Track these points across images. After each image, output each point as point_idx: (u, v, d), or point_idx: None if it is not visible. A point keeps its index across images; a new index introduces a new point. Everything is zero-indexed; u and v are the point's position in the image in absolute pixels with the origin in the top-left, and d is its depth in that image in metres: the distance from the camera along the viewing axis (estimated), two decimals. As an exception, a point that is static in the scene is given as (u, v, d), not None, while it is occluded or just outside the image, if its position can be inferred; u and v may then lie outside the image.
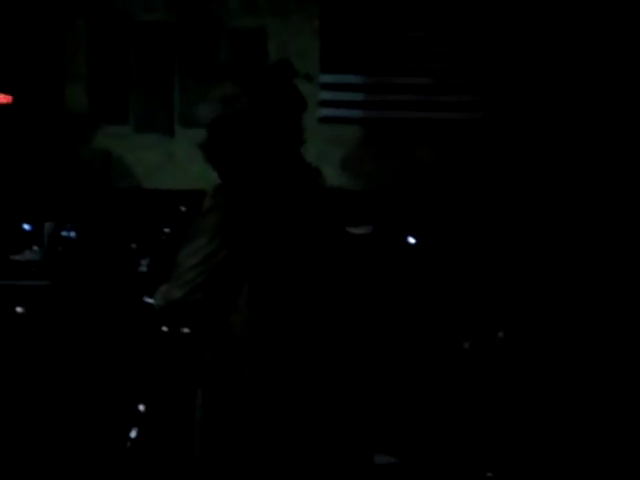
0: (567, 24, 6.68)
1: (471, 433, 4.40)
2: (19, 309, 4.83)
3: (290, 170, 2.23)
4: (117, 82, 7.46)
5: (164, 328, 4.36)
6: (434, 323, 4.97)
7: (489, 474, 4.09)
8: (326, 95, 7.12)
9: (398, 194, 6.81)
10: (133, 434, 4.23)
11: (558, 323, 4.97)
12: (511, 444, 4.32)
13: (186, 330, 2.24)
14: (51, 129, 7.44)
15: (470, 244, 6.04)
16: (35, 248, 5.55)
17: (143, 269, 4.72)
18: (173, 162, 7.27)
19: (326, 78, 7.11)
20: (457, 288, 5.35)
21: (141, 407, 4.27)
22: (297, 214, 2.18)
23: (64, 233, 5.50)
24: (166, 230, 4.61)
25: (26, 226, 5.91)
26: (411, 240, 5.81)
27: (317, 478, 2.17)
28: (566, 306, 5.11)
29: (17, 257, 5.48)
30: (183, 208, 4.68)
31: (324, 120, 7.08)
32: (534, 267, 5.63)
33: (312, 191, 2.25)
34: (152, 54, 7.42)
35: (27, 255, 5.52)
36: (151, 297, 4.51)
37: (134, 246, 5.42)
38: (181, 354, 4.10)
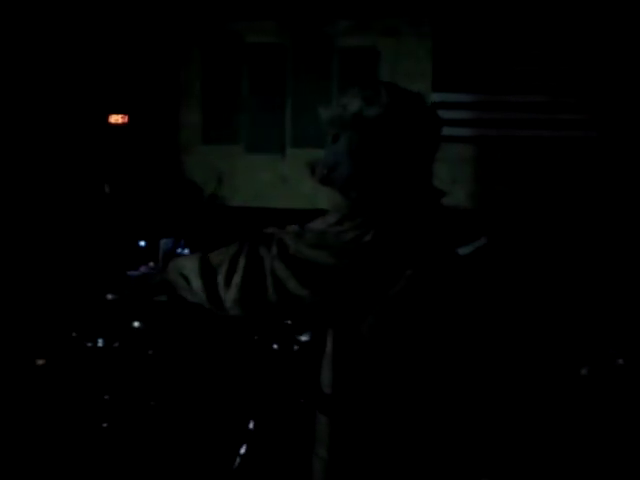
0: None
1: (587, 463, 4.25)
2: (136, 324, 4.94)
3: (423, 191, 2.18)
4: (229, 103, 7.59)
5: (275, 346, 4.37)
6: (550, 347, 4.84)
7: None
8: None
9: (510, 213, 6.67)
10: (243, 450, 4.25)
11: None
12: (631, 476, 4.15)
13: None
14: (165, 148, 7.62)
15: (590, 265, 5.86)
16: (151, 264, 5.66)
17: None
18: (284, 182, 7.35)
19: (438, 97, 7.06)
20: (575, 311, 5.19)
21: (251, 424, 4.28)
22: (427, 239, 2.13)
23: (178, 250, 5.61)
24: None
25: (142, 243, 6.05)
26: (526, 262, 5.68)
27: None
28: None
29: (133, 273, 5.62)
30: (296, 226, 4.68)
31: (435, 139, 7.02)
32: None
33: (439, 213, 2.20)
34: (263, 75, 7.53)
35: (143, 271, 5.65)
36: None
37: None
38: (295, 372, 4.10)
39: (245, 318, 2.21)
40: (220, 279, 2.15)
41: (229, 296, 2.13)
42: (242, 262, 2.11)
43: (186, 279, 2.25)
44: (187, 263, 2.29)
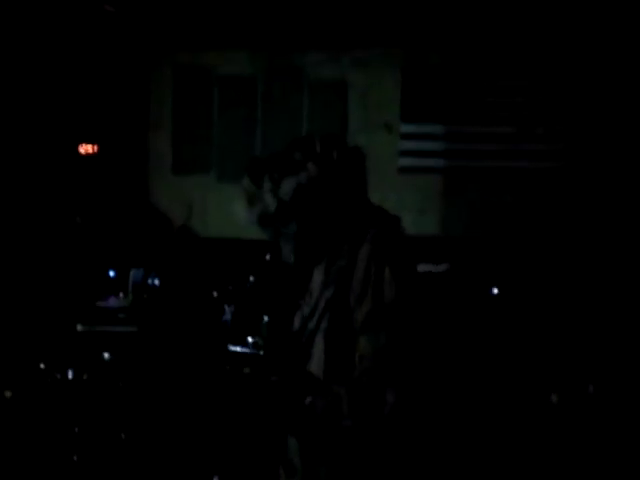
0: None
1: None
2: (106, 355, 4.90)
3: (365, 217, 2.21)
4: (200, 133, 7.61)
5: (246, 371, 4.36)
6: (521, 375, 4.87)
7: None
8: (406, 145, 7.14)
9: (478, 242, 6.73)
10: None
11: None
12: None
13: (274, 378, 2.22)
14: (135, 179, 7.61)
15: (557, 293, 5.92)
16: (120, 295, 5.65)
17: (227, 317, 4.75)
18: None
19: (406, 128, 7.13)
20: (544, 339, 5.23)
21: (223, 455, 4.26)
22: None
23: (149, 281, 5.60)
24: (251, 279, 4.64)
25: (111, 273, 6.02)
26: (494, 290, 5.73)
27: None
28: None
29: (102, 303, 5.59)
30: (268, 257, 4.70)
31: (404, 170, 7.09)
32: (625, 318, 5.48)
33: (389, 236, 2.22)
34: (234, 105, 7.56)
35: (112, 302, 5.63)
36: (235, 345, 4.54)
37: (216, 294, 5.46)
38: (268, 401, 4.09)
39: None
40: None
41: None
42: None
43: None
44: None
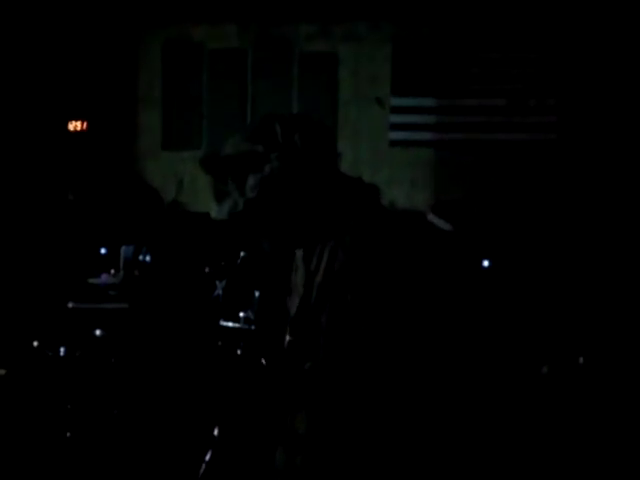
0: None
1: (548, 458, 4.31)
2: (98, 332, 4.91)
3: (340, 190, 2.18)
4: (190, 108, 7.57)
5: (239, 352, 4.38)
6: (512, 347, 4.90)
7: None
8: (397, 118, 7.12)
9: (469, 214, 6.74)
10: (208, 457, 4.24)
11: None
12: (589, 472, 4.22)
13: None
14: (125, 155, 7.58)
15: (547, 266, 5.94)
16: (112, 272, 5.64)
17: (219, 292, 4.75)
18: (246, 186, 7.33)
19: (397, 101, 7.11)
20: (535, 311, 5.26)
21: (216, 431, 4.28)
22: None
23: (140, 257, 5.59)
24: (241, 254, 4.63)
25: (103, 250, 6.02)
26: (485, 263, 5.75)
27: None
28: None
29: (94, 280, 5.59)
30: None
31: (395, 143, 7.08)
32: (616, 290, 5.51)
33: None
34: (224, 80, 7.52)
35: (104, 279, 5.63)
36: (226, 320, 4.54)
37: (207, 270, 5.46)
38: (255, 376, 4.10)
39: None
40: None
41: None
42: None
43: None
44: None
